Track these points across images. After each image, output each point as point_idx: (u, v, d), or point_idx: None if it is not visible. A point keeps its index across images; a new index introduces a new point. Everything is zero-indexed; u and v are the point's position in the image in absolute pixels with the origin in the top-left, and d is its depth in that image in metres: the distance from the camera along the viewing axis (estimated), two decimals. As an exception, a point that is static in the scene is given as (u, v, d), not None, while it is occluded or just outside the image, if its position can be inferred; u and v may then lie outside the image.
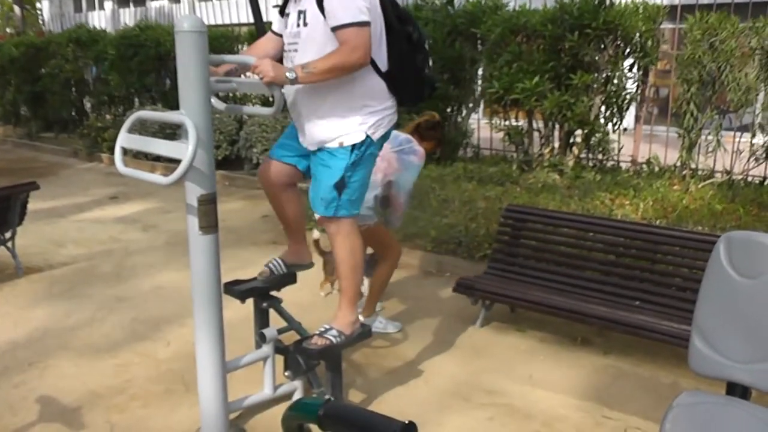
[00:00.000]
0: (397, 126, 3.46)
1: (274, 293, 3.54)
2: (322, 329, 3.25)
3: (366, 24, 2.90)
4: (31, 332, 4.52)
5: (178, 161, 2.44)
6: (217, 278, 2.70)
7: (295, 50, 3.05)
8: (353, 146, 3.07)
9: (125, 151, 2.69)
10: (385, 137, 3.24)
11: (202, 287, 2.67)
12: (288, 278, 3.56)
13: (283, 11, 3.22)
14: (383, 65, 3.10)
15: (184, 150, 2.42)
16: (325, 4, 2.91)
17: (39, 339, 4.40)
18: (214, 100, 3.00)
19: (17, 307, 4.97)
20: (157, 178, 2.53)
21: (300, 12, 3.02)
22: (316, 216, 3.28)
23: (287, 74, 2.83)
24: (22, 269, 5.68)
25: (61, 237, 6.82)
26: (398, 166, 4.11)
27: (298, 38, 3.04)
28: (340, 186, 3.08)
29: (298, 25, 3.03)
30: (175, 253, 6.16)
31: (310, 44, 3.00)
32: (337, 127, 3.07)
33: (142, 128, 8.82)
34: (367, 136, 3.09)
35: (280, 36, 3.23)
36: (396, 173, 4.11)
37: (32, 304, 5.02)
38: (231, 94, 9.08)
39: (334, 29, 2.91)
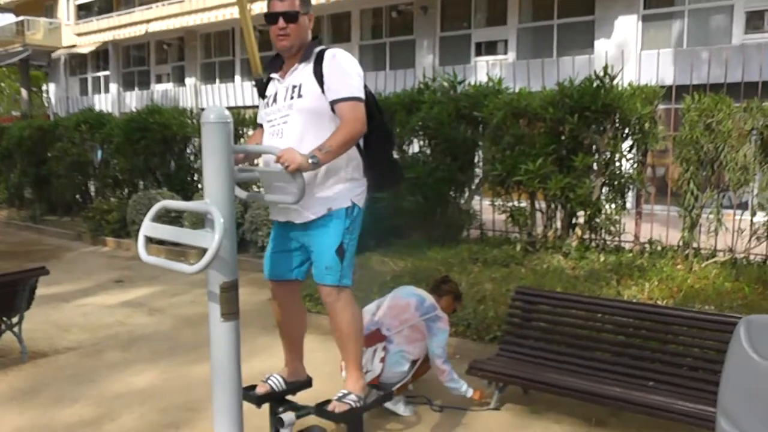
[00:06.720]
0: None
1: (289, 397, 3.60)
2: (341, 394, 3.33)
3: (362, 100, 3.22)
4: (36, 418, 4.46)
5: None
6: (238, 365, 2.71)
7: (285, 121, 3.27)
8: (346, 210, 3.29)
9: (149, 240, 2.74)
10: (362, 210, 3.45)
11: (223, 374, 2.67)
12: (303, 384, 3.65)
13: (263, 94, 3.47)
14: (362, 144, 3.35)
15: (210, 239, 2.47)
16: (326, 78, 3.20)
17: (45, 426, 4.34)
18: (236, 189, 3.07)
19: (22, 392, 4.91)
20: (181, 266, 2.57)
21: (293, 86, 3.27)
22: (323, 293, 3.35)
23: (310, 160, 2.97)
24: (27, 354, 5.63)
25: (66, 321, 6.78)
26: (426, 333, 4.31)
27: (290, 110, 3.26)
28: (340, 252, 3.27)
29: (292, 98, 3.26)
30: (182, 337, 6.14)
31: (301, 114, 3.23)
32: (329, 198, 3.28)
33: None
34: (354, 204, 3.33)
35: None
36: (426, 340, 4.32)
37: (38, 389, 4.97)
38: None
39: (335, 102, 3.19)
